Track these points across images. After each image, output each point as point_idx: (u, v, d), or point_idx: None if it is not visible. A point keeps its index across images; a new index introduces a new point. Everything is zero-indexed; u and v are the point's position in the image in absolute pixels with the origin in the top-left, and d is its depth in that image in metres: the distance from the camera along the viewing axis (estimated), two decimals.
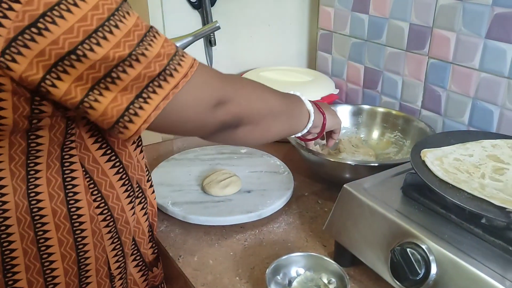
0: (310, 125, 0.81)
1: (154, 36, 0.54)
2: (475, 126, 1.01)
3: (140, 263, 0.76)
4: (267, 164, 1.04)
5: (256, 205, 0.89)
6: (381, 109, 1.14)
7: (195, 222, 0.86)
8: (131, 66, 0.51)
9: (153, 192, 0.77)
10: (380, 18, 1.16)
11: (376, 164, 0.90)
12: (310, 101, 0.83)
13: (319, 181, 1.04)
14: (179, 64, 0.55)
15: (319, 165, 1.00)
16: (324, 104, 0.90)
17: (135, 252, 0.74)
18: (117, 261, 0.68)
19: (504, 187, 0.70)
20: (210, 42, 1.28)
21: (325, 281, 0.74)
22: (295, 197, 0.99)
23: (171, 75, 0.54)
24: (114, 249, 0.66)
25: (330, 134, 0.93)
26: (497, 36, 0.92)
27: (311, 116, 0.81)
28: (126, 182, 0.66)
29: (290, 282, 0.73)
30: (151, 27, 0.54)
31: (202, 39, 1.29)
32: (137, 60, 0.51)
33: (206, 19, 1.25)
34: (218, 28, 1.07)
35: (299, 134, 0.83)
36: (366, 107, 1.14)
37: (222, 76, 0.63)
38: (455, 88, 1.03)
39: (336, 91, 1.23)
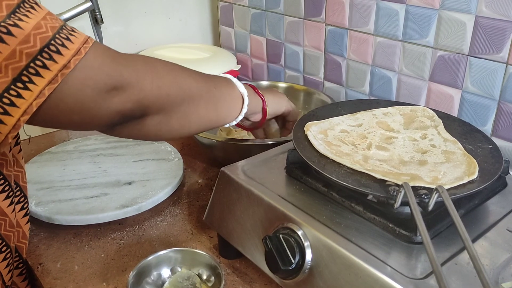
0: (245, 110, 0.70)
1: (32, 7, 0.43)
2: (375, 95, 0.95)
3: (24, 271, 0.67)
4: (156, 151, 0.93)
5: (135, 198, 0.78)
6: (282, 84, 1.06)
7: (62, 223, 0.75)
8: (1, 41, 0.40)
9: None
10: None
11: (271, 143, 0.82)
12: (245, 83, 0.72)
13: (217, 167, 0.95)
14: (68, 39, 0.44)
15: (212, 148, 0.91)
16: (268, 88, 0.82)
17: (17, 259, 0.65)
18: (9, 272, 0.59)
19: (389, 157, 0.64)
20: (96, 20, 1.15)
21: (205, 277, 0.65)
22: (187, 186, 0.89)
23: (58, 52, 0.43)
24: (4, 258, 0.57)
25: (284, 120, 0.82)
26: None
27: (245, 101, 0.70)
28: (2, 181, 0.56)
29: (164, 283, 0.64)
30: None
31: (88, 17, 1.16)
32: (9, 32, 0.40)
33: None
34: (91, 8, 0.95)
35: (234, 123, 0.72)
36: (265, 83, 1.06)
37: (121, 56, 0.52)
38: (354, 56, 0.96)
39: (237, 67, 1.14)
